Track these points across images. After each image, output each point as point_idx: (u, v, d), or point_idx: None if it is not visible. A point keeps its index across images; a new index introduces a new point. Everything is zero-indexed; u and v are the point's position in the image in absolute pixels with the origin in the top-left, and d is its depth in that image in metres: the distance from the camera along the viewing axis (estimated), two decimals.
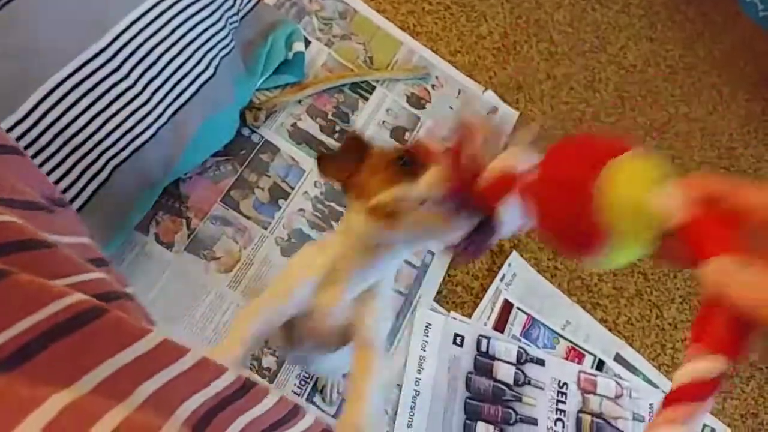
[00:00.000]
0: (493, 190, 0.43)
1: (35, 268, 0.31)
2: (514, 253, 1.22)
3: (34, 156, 0.72)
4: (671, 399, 0.28)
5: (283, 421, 0.40)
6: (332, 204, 1.15)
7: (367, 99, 1.28)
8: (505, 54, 1.48)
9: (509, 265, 1.21)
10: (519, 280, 1.21)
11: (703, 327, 0.28)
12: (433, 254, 1.18)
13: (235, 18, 1.09)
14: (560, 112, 1.46)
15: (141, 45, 0.87)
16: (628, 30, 1.69)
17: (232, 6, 1.08)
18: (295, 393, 1.00)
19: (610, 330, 1.23)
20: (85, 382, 0.28)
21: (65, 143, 0.76)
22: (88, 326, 0.29)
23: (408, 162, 0.55)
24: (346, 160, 0.61)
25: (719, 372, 0.27)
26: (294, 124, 1.20)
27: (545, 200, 0.36)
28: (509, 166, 0.41)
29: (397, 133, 1.27)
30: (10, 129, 0.70)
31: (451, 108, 1.34)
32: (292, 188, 1.14)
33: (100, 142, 0.80)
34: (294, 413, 0.42)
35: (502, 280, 1.20)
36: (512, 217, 0.43)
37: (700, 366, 0.28)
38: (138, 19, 0.87)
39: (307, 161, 1.17)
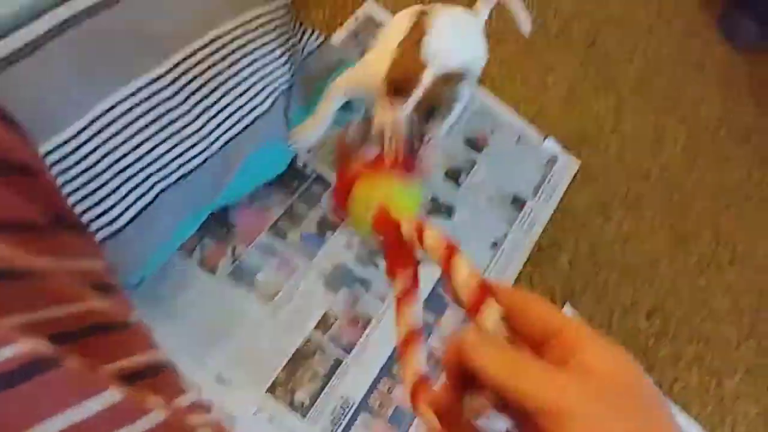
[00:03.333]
0: None
1: None
2: (567, 304, 1.16)
3: (82, 173, 0.76)
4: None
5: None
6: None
7: None
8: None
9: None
10: None
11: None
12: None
13: (298, 56, 1.12)
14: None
15: (200, 75, 0.91)
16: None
17: (297, 44, 1.11)
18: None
19: (664, 395, 1.13)
20: None
21: (114, 163, 0.80)
22: None
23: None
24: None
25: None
26: None
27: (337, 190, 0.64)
28: None
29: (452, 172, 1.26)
30: (60, 146, 0.74)
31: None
32: (341, 220, 1.14)
33: (148, 165, 0.84)
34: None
35: None
36: None
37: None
38: (200, 49, 0.91)
39: None
